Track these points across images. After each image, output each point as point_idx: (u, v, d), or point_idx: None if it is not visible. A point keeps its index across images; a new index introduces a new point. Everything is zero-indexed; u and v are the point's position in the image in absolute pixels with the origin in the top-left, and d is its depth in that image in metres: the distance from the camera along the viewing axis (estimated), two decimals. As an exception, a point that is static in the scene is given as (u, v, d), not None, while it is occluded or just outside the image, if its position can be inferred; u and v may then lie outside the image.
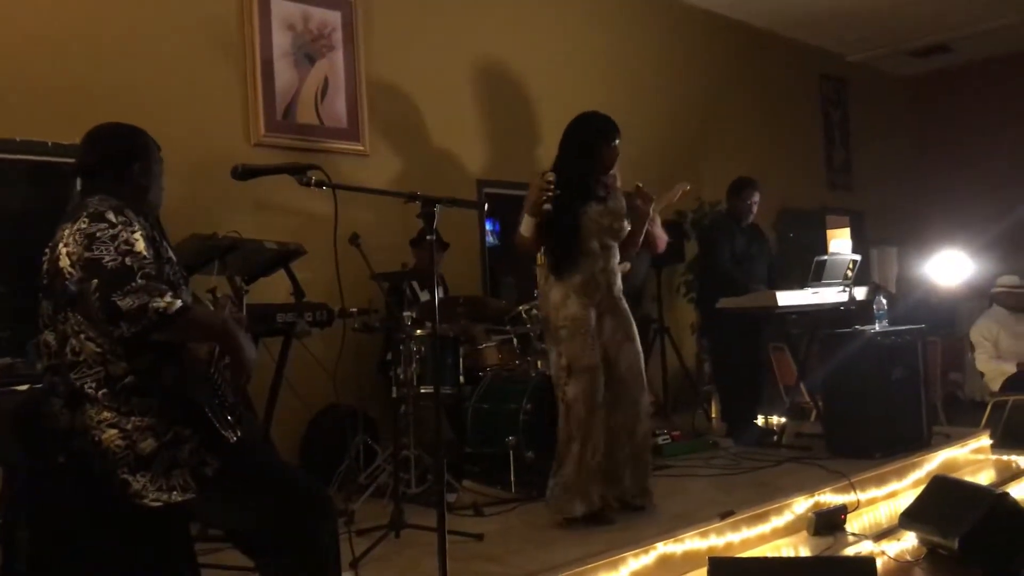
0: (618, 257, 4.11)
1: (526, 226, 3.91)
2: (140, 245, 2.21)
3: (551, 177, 3.83)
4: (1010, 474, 5.59)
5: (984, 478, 5.46)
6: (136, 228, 2.24)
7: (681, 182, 4.37)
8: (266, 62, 5.36)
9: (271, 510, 2.34)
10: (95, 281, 2.14)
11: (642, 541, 3.60)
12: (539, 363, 5.06)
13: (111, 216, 2.23)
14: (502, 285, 7.27)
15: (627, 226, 4.10)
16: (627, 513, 4.04)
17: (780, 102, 9.30)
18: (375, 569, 3.37)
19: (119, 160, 2.44)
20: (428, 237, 2.61)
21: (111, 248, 2.17)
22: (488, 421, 4.78)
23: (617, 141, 4.05)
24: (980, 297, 7.65)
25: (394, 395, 4.46)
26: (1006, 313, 6.93)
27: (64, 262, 2.22)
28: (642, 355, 4.13)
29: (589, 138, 4.03)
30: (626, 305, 4.12)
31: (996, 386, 6.77)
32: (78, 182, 2.45)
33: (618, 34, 7.59)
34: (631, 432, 4.03)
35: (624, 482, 4.07)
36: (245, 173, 2.51)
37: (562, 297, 3.93)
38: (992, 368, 6.81)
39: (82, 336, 2.24)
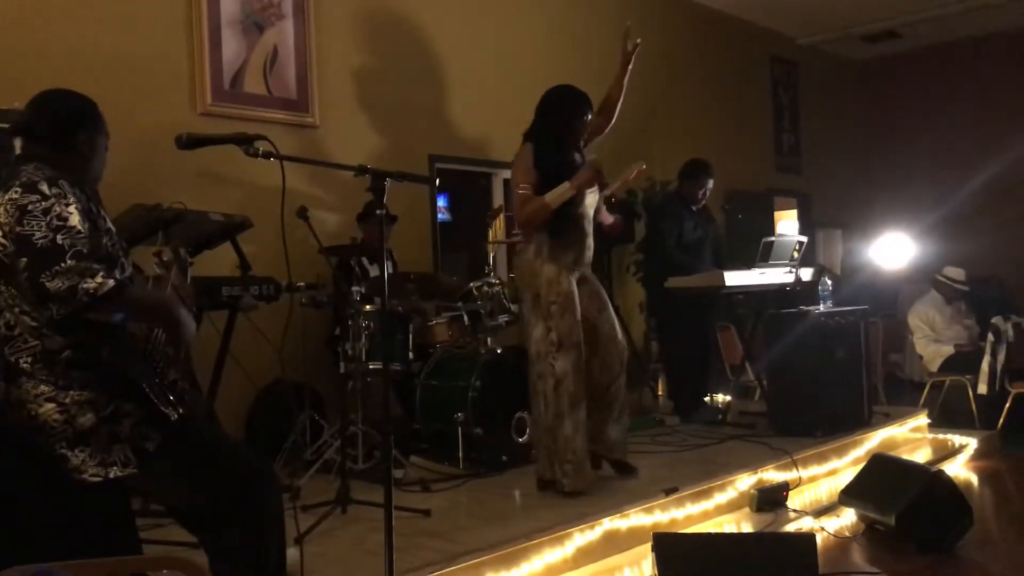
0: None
1: (559, 199, 3.96)
2: (74, 219, 2.14)
3: (601, 164, 4.00)
4: (946, 452, 5.75)
5: (921, 456, 5.61)
6: (71, 201, 2.17)
7: (636, 161, 4.40)
8: (214, 30, 5.23)
9: (214, 486, 2.32)
10: (24, 260, 2.08)
11: (588, 517, 3.64)
12: (488, 340, 5.06)
13: (44, 188, 2.16)
14: (452, 262, 7.25)
15: (599, 195, 4.24)
16: (614, 479, 4.22)
17: (731, 84, 9.36)
18: (321, 545, 3.35)
19: (64, 126, 2.37)
20: (379, 211, 2.58)
21: (43, 223, 2.10)
22: (437, 398, 4.78)
23: (589, 115, 4.17)
24: (921, 280, 7.83)
25: (342, 371, 4.43)
26: (941, 300, 7.12)
27: None
28: (617, 320, 4.34)
29: (567, 115, 4.12)
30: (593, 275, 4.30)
31: (934, 367, 6.96)
32: (18, 144, 2.38)
33: (572, 12, 7.56)
34: (616, 392, 4.23)
35: (610, 438, 4.24)
36: (190, 142, 2.44)
37: (555, 274, 4.03)
38: (931, 351, 7.00)
39: (16, 310, 2.18)
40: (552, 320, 3.99)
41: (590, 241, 4.17)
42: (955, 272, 7.16)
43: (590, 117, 4.18)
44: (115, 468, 2.19)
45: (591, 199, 4.15)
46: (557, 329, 3.97)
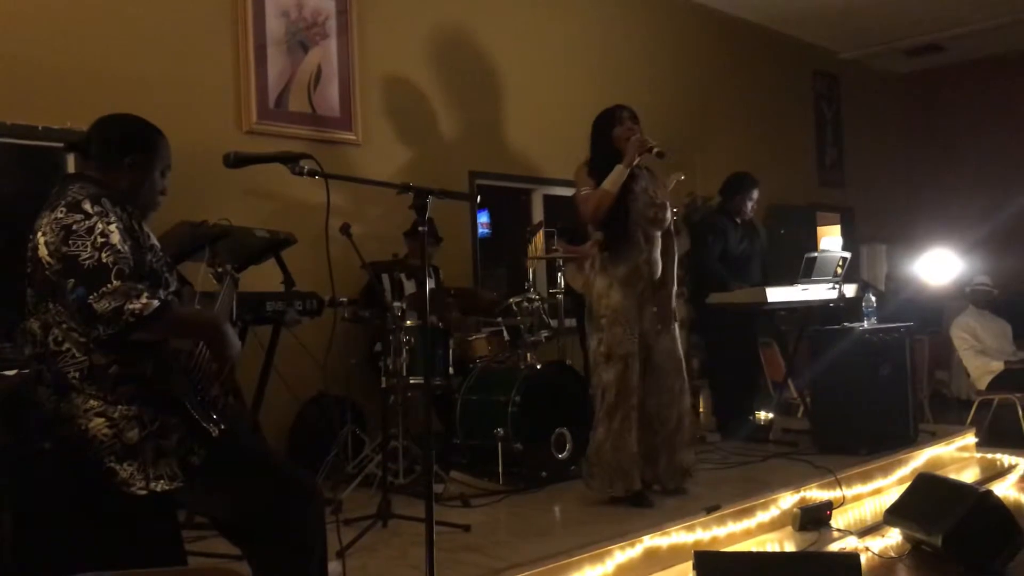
0: (660, 247, 4.27)
1: (616, 181, 4.07)
2: (115, 237, 2.17)
3: (642, 135, 4.10)
4: (994, 472, 5.64)
5: (969, 476, 5.50)
6: (112, 219, 2.21)
7: (675, 172, 4.42)
8: (259, 49, 5.33)
9: (258, 499, 2.34)
10: (71, 281, 2.13)
11: (628, 534, 3.62)
12: (528, 355, 5.06)
13: (87, 206, 2.20)
14: (493, 277, 7.28)
15: (670, 216, 4.30)
16: (666, 498, 4.22)
17: (773, 98, 9.30)
18: (362, 558, 3.37)
19: (117, 147, 2.41)
20: (420, 228, 2.61)
21: (87, 243, 2.14)
22: (477, 412, 4.79)
23: (626, 117, 4.24)
24: (962, 296, 7.73)
25: (383, 385, 4.46)
26: (978, 311, 7.04)
27: (43, 251, 2.21)
28: (680, 343, 4.35)
29: (603, 126, 4.25)
30: (670, 293, 4.32)
31: (982, 385, 6.83)
32: (72, 158, 2.44)
33: (612, 29, 7.58)
34: (664, 419, 4.24)
35: (660, 466, 4.26)
36: (237, 161, 2.49)
37: (605, 287, 4.13)
38: (979, 364, 6.87)
39: (64, 326, 2.22)
40: (603, 332, 4.11)
41: (652, 258, 4.21)
42: (982, 278, 7.18)
43: (628, 117, 4.24)
44: (162, 482, 2.22)
45: (649, 211, 4.17)
46: (606, 341, 4.10)
